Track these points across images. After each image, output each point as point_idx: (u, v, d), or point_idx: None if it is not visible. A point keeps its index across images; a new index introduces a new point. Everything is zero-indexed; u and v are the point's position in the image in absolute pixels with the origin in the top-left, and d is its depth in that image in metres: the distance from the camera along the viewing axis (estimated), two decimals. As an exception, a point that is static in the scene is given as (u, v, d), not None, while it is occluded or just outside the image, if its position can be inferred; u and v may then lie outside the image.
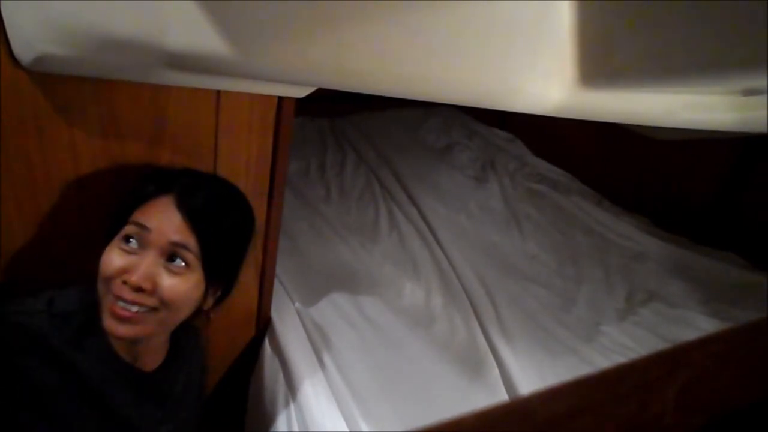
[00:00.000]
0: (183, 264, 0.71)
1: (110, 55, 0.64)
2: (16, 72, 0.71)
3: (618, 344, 1.36)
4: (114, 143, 0.82)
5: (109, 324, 0.69)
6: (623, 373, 0.58)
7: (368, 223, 1.77)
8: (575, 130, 2.19)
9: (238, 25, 0.60)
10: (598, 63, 0.63)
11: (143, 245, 0.70)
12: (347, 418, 1.04)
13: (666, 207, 1.96)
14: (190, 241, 0.71)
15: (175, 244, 0.70)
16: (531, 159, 2.31)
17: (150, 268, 0.69)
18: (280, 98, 0.92)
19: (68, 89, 0.76)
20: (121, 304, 0.68)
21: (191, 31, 0.60)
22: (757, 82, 0.63)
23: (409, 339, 1.28)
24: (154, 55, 0.62)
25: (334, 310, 1.31)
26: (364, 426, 1.03)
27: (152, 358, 0.80)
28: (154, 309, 0.70)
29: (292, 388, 1.09)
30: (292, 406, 1.08)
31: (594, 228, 1.89)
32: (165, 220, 0.71)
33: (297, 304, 1.28)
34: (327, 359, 1.15)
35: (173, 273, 0.71)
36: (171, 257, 0.71)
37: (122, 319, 0.68)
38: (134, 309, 0.69)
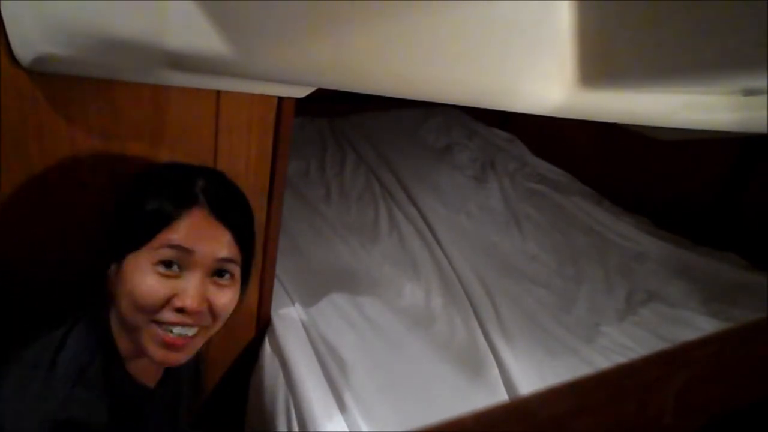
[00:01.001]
0: (230, 276, 0.69)
1: (110, 55, 0.64)
2: (16, 72, 0.71)
3: (618, 344, 1.36)
4: (114, 143, 0.82)
5: (159, 354, 0.66)
6: (623, 373, 0.58)
7: (368, 223, 1.77)
8: (575, 130, 2.19)
9: (239, 26, 0.60)
10: (598, 63, 0.63)
11: (187, 267, 0.66)
12: (347, 418, 1.04)
13: (666, 207, 1.96)
14: (237, 254, 0.69)
15: (224, 260, 0.67)
16: (531, 159, 2.31)
17: (201, 288, 0.66)
18: (280, 98, 0.92)
19: (68, 89, 0.76)
20: (177, 331, 0.65)
21: (191, 31, 0.60)
22: (757, 82, 0.63)
23: (409, 339, 1.28)
24: (154, 55, 0.62)
25: (334, 310, 1.31)
26: (364, 426, 1.03)
27: (158, 373, 0.77)
28: (206, 327, 0.69)
29: (292, 388, 1.09)
30: (292, 406, 1.08)
31: (594, 228, 1.89)
32: (209, 238, 0.66)
33: (297, 304, 1.28)
34: (327, 359, 1.15)
35: (222, 287, 0.68)
36: (218, 272, 0.68)
37: (177, 347, 0.66)
38: (191, 333, 0.66)
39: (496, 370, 1.21)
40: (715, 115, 0.78)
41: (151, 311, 0.64)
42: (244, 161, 0.95)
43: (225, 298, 0.68)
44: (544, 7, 0.61)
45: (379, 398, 1.10)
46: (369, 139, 2.26)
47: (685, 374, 0.58)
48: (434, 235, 1.71)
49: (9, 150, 0.75)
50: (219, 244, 0.67)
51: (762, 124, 0.81)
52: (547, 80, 0.65)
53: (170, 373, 0.79)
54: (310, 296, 1.34)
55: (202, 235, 0.66)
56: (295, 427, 1.05)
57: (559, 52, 0.63)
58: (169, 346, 0.65)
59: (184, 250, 0.65)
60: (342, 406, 1.07)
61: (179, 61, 0.64)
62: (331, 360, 1.15)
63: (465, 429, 0.43)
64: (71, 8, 0.60)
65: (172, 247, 0.64)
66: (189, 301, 0.64)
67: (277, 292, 1.24)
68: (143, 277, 0.64)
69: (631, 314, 1.48)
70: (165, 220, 0.65)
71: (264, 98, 0.90)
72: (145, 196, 0.68)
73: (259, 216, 1.04)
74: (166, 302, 0.64)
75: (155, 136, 0.85)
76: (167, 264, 0.65)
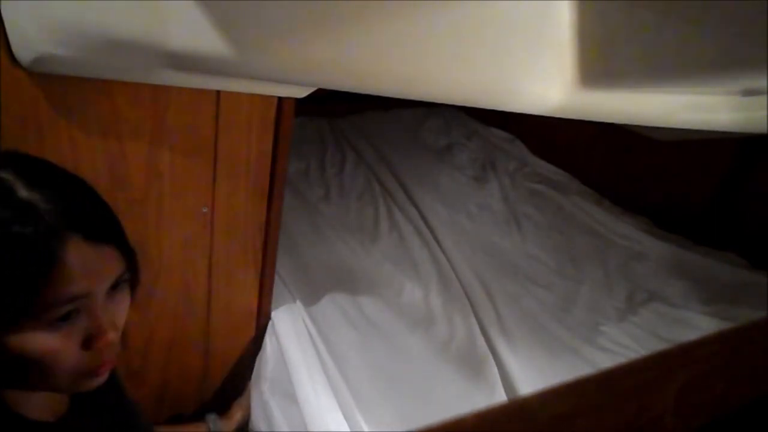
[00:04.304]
0: (123, 284, 0.59)
1: (110, 55, 0.64)
2: (16, 72, 0.71)
3: (618, 344, 1.36)
4: (114, 143, 0.82)
5: (88, 384, 0.58)
6: (623, 373, 0.58)
7: (368, 223, 1.77)
8: (575, 130, 2.19)
9: (238, 25, 0.60)
10: (598, 63, 0.63)
11: (86, 305, 0.54)
12: (347, 417, 1.04)
13: (666, 207, 1.96)
14: (123, 261, 0.58)
15: (117, 279, 0.57)
16: (531, 159, 2.31)
17: (107, 317, 0.56)
18: (280, 98, 0.92)
19: (68, 89, 0.76)
20: (102, 361, 0.57)
21: (191, 31, 0.60)
22: (757, 82, 0.63)
23: (409, 339, 1.28)
24: (154, 55, 0.62)
25: (334, 309, 1.31)
26: (364, 426, 1.03)
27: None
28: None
29: (292, 388, 1.09)
30: (292, 406, 1.08)
31: (594, 228, 1.89)
32: (96, 269, 0.54)
33: (297, 304, 1.28)
34: (327, 359, 1.15)
35: (119, 298, 0.58)
36: (113, 288, 0.57)
37: (105, 370, 0.58)
38: (113, 355, 0.58)
39: (496, 370, 1.21)
40: (715, 115, 0.78)
41: (76, 370, 0.55)
42: (244, 161, 0.95)
43: (124, 309, 0.59)
44: (544, 7, 0.61)
45: (379, 398, 1.10)
46: (369, 139, 2.26)
47: (685, 374, 0.58)
48: (434, 235, 1.71)
49: (9, 150, 0.75)
50: (108, 269, 0.55)
51: (762, 124, 0.81)
52: (546, 80, 0.65)
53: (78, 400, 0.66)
54: (310, 295, 1.34)
55: (91, 270, 0.53)
56: (296, 426, 1.05)
57: (559, 52, 0.63)
58: (100, 374, 0.58)
59: (80, 297, 0.53)
60: (342, 406, 1.07)
61: (180, 61, 0.64)
62: (331, 359, 1.15)
63: (465, 429, 0.43)
64: (71, 8, 0.60)
65: (64, 302, 0.51)
66: (108, 336, 0.55)
67: (278, 292, 1.25)
68: (48, 342, 0.52)
69: (631, 314, 1.48)
70: (41, 271, 0.50)
71: (264, 98, 0.90)
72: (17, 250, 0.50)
73: (259, 216, 1.04)
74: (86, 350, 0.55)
75: (155, 136, 0.85)
76: (67, 316, 0.53)
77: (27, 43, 0.66)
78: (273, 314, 1.21)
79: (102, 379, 0.59)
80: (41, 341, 0.52)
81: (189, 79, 0.78)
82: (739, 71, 0.54)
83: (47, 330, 0.52)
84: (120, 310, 0.58)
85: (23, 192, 0.51)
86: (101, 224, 0.56)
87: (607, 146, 2.14)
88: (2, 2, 0.64)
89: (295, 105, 0.94)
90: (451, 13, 0.59)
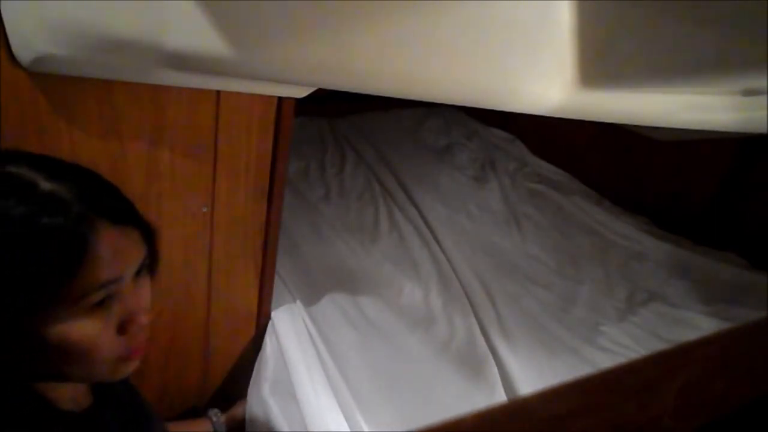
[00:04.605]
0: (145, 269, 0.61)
1: (110, 55, 0.64)
2: (16, 72, 0.71)
3: (618, 344, 1.36)
4: (114, 143, 0.82)
5: (125, 369, 0.59)
6: (623, 373, 0.58)
7: (368, 223, 1.77)
8: (575, 130, 2.19)
9: (238, 25, 0.60)
10: (598, 63, 0.63)
11: (118, 291, 0.56)
12: (347, 417, 1.04)
13: (666, 207, 1.96)
14: (144, 245, 0.59)
15: (141, 264, 0.58)
16: (531, 159, 2.31)
17: (138, 300, 0.58)
18: (280, 98, 0.92)
19: (68, 89, 0.76)
20: (136, 345, 0.59)
21: (191, 31, 0.60)
22: (757, 82, 0.63)
23: (409, 339, 1.28)
24: (154, 55, 0.62)
25: (334, 309, 1.31)
26: (364, 426, 1.03)
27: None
28: None
29: (292, 388, 1.09)
30: (292, 405, 1.08)
31: (594, 228, 1.89)
32: (124, 253, 0.55)
33: (297, 304, 1.28)
34: (327, 359, 1.15)
35: (142, 282, 0.60)
36: (137, 273, 0.59)
37: (140, 354, 0.60)
38: (145, 339, 0.60)
39: (496, 370, 1.21)
40: (715, 115, 0.78)
41: (114, 355, 0.57)
42: (244, 161, 0.95)
43: (148, 293, 0.60)
44: (544, 7, 0.61)
45: (379, 398, 1.10)
46: (369, 139, 2.26)
47: (685, 374, 0.58)
48: (434, 235, 1.71)
49: (9, 150, 0.75)
50: (135, 252, 0.57)
51: (762, 124, 0.81)
52: (546, 80, 0.65)
53: (101, 392, 0.68)
54: (310, 296, 1.34)
55: (120, 256, 0.55)
56: (296, 426, 1.05)
57: (559, 52, 0.63)
58: (135, 359, 0.59)
59: (112, 282, 0.54)
60: (342, 406, 1.07)
61: (179, 61, 0.64)
62: (331, 359, 1.15)
63: (465, 429, 0.43)
64: (71, 8, 0.60)
65: (98, 288, 0.53)
66: (141, 320, 0.57)
67: (278, 292, 1.25)
68: (86, 327, 0.53)
69: (631, 314, 1.48)
70: (75, 260, 0.51)
71: (264, 98, 0.90)
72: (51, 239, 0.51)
73: (259, 216, 1.04)
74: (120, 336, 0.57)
75: (155, 136, 0.85)
76: (102, 303, 0.54)
77: (27, 43, 0.66)
78: (273, 314, 1.21)
79: (136, 363, 0.60)
80: (81, 328, 0.53)
81: (189, 79, 0.78)
82: (739, 71, 0.54)
83: (85, 317, 0.53)
84: (145, 294, 0.60)
85: (45, 184, 0.52)
86: (122, 207, 0.57)
87: (607, 146, 2.14)
88: (2, 2, 0.64)
89: (295, 105, 0.94)
90: (451, 14, 0.59)
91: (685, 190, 1.91)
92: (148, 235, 0.60)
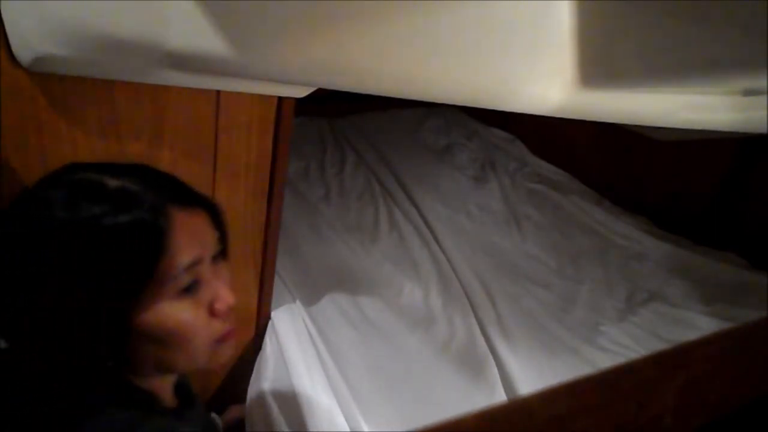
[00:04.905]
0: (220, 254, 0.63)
1: (110, 55, 0.64)
2: (16, 72, 0.71)
3: (618, 344, 1.36)
4: (114, 143, 0.82)
5: (223, 353, 0.62)
6: (623, 373, 0.58)
7: (368, 223, 1.77)
8: (575, 130, 2.19)
9: (238, 25, 0.60)
10: (598, 63, 0.63)
11: (201, 274, 0.58)
12: (347, 417, 1.04)
13: (666, 207, 1.96)
14: (214, 227, 0.62)
15: (216, 250, 0.61)
16: (531, 159, 2.31)
17: (220, 282, 0.60)
18: (280, 98, 0.92)
19: (68, 89, 0.76)
20: (228, 326, 0.61)
21: (191, 31, 0.60)
22: (757, 82, 0.63)
23: (409, 339, 1.28)
24: (154, 55, 0.62)
25: (334, 309, 1.31)
26: (364, 426, 1.03)
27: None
28: None
29: (292, 388, 1.09)
30: (292, 406, 1.08)
31: (594, 228, 1.89)
32: (199, 234, 0.58)
33: (297, 304, 1.28)
34: (327, 359, 1.15)
35: (220, 266, 0.62)
36: (213, 259, 0.61)
37: (232, 336, 0.63)
38: (233, 320, 0.63)
39: (496, 370, 1.21)
40: (715, 115, 0.78)
41: (211, 338, 0.59)
42: (244, 161, 0.95)
43: (227, 275, 0.63)
44: (544, 7, 0.61)
45: (379, 398, 1.10)
46: (369, 139, 2.26)
47: (685, 374, 0.58)
48: (434, 235, 1.71)
49: (9, 150, 0.75)
50: (209, 234, 0.60)
51: (762, 124, 0.81)
52: (547, 80, 0.65)
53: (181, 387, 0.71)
54: (310, 296, 1.34)
55: (197, 239, 0.58)
56: (296, 426, 1.05)
57: (559, 52, 0.63)
58: (227, 340, 0.62)
59: (194, 265, 0.56)
60: (342, 406, 1.07)
61: (179, 61, 0.64)
62: (331, 359, 1.15)
63: (465, 429, 0.43)
64: (71, 8, 0.60)
65: (184, 272, 0.55)
66: (229, 299, 0.60)
67: (278, 292, 1.25)
68: (181, 314, 0.56)
69: (631, 314, 1.48)
70: (158, 248, 0.53)
71: (264, 98, 0.90)
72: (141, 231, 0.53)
73: (259, 216, 1.04)
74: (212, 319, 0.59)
75: (155, 136, 0.85)
76: (189, 289, 0.57)
77: (27, 43, 0.66)
78: (273, 314, 1.21)
79: (232, 345, 0.63)
80: (175, 313, 0.56)
81: (189, 79, 0.78)
82: (739, 71, 0.54)
83: (176, 301, 0.56)
84: (226, 277, 0.62)
85: (113, 182, 0.54)
86: (186, 190, 0.60)
87: (607, 146, 2.14)
88: (2, 2, 0.64)
89: (295, 105, 0.94)
90: (451, 14, 0.59)
91: (685, 190, 1.91)
92: (216, 215, 0.62)
